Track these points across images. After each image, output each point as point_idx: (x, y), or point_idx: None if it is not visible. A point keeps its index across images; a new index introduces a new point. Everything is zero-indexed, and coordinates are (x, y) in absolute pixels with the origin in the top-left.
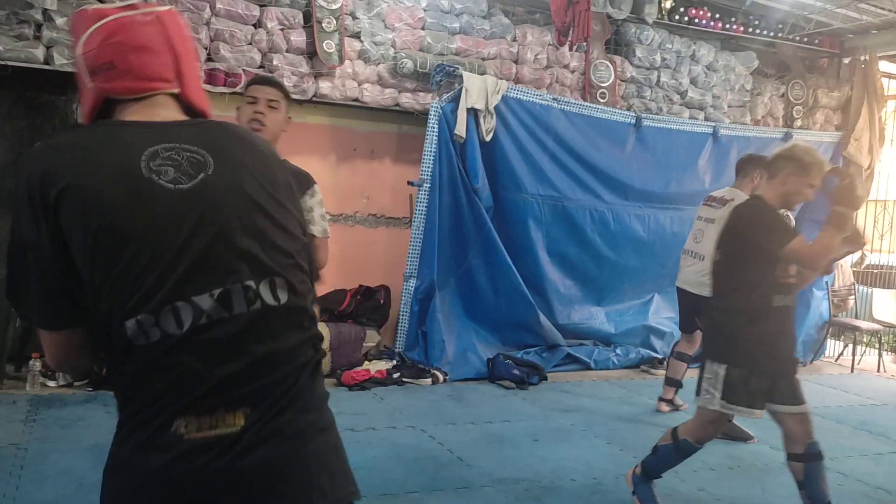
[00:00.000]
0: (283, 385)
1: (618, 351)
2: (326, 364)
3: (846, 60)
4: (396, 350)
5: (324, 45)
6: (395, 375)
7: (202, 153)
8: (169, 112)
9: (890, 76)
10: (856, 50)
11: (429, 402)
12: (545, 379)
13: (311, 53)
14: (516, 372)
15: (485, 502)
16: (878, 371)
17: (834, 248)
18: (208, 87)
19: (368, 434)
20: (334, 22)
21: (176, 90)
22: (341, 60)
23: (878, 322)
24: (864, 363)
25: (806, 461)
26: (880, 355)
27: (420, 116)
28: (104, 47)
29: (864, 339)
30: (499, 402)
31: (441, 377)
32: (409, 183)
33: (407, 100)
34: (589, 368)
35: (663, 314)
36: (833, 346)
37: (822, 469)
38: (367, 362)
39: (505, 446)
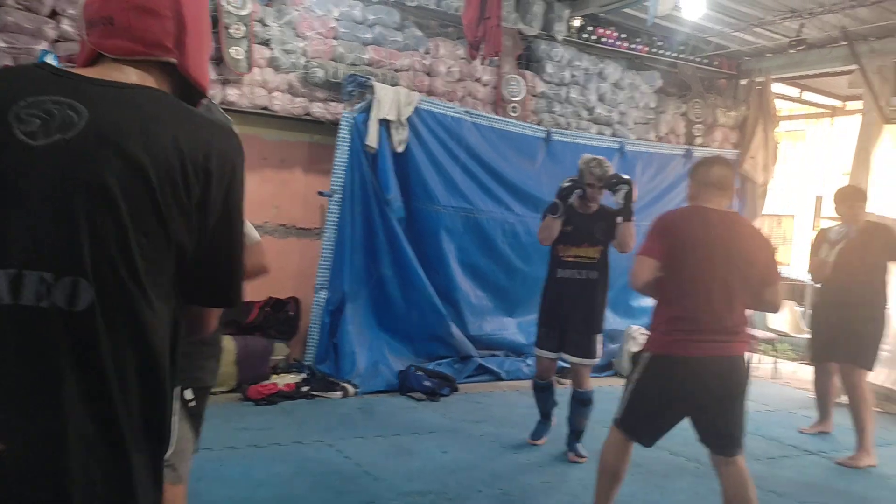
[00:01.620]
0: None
1: (528, 361)
2: (232, 378)
3: (743, 82)
4: (306, 363)
5: (231, 51)
6: (304, 389)
7: (79, 115)
8: (130, 77)
9: (783, 97)
10: (751, 72)
11: (338, 416)
12: (456, 390)
13: (218, 59)
14: (427, 384)
15: None
16: (773, 378)
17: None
18: None
19: (273, 449)
20: (243, 28)
21: (174, 60)
22: (250, 68)
23: (773, 331)
24: (761, 370)
25: (573, 400)
26: (775, 363)
27: (331, 126)
28: (106, 0)
29: (760, 348)
30: (409, 415)
31: (351, 390)
32: (320, 193)
33: (318, 109)
34: (500, 379)
35: None
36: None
37: (583, 410)
38: (274, 376)
39: (413, 459)
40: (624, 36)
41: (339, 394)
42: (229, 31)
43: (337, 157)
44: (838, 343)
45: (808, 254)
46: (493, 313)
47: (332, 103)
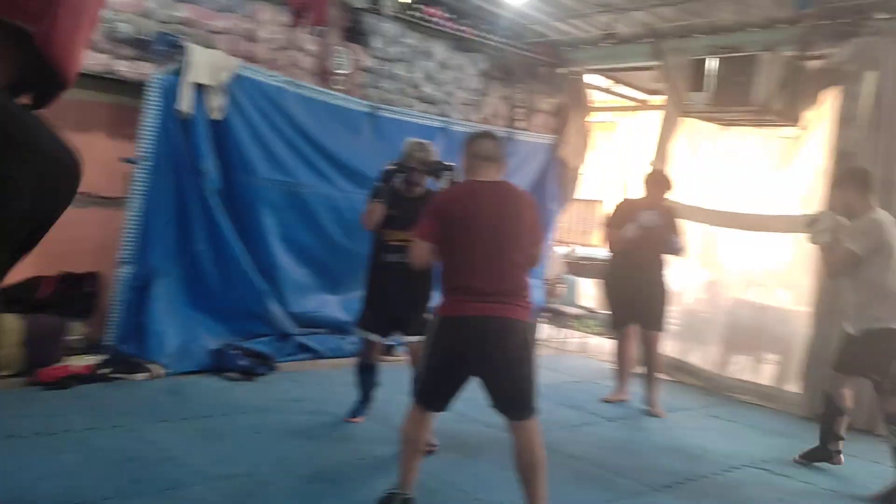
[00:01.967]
0: None
1: (350, 339)
2: (18, 361)
3: (560, 70)
4: (107, 343)
5: None
6: (103, 371)
7: None
8: None
9: (597, 88)
10: (569, 62)
11: (141, 399)
12: (274, 369)
13: None
14: (243, 363)
15: (193, 502)
16: (581, 351)
17: None
18: None
19: (63, 437)
20: None
21: (31, 29)
22: None
23: (582, 308)
24: (569, 345)
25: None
26: (582, 337)
27: (139, 87)
28: None
29: (570, 324)
30: (222, 395)
31: (159, 371)
32: (125, 160)
33: (124, 68)
34: (321, 357)
35: None
36: (545, 330)
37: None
38: (68, 358)
39: (223, 441)
40: (451, 16)
41: (143, 375)
42: None
43: (144, 121)
44: (636, 309)
45: (607, 222)
46: (314, 290)
47: (140, 62)
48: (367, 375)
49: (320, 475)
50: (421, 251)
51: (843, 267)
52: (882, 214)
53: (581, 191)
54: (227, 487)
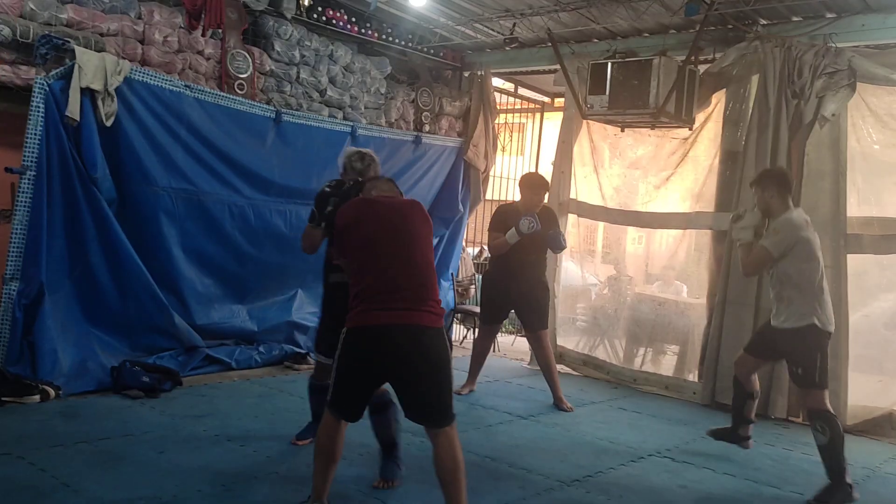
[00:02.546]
0: None
1: (261, 349)
2: None
3: (466, 74)
4: None
5: None
6: None
7: None
8: None
9: (501, 91)
10: (473, 65)
11: (33, 424)
12: (180, 384)
13: None
14: (146, 379)
15: None
16: (494, 351)
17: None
18: None
19: None
20: None
21: None
22: None
23: None
24: None
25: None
26: (495, 338)
27: (22, 93)
28: None
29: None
30: (122, 415)
31: (53, 392)
32: (8, 170)
33: (4, 73)
34: (231, 368)
35: (307, 309)
36: (458, 331)
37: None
38: None
39: (124, 464)
40: (354, 20)
41: (36, 398)
42: None
43: (29, 128)
44: (517, 310)
45: (489, 227)
46: (221, 301)
47: (23, 67)
48: (320, 397)
49: (229, 492)
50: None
51: (757, 265)
52: (796, 214)
53: (490, 192)
54: None
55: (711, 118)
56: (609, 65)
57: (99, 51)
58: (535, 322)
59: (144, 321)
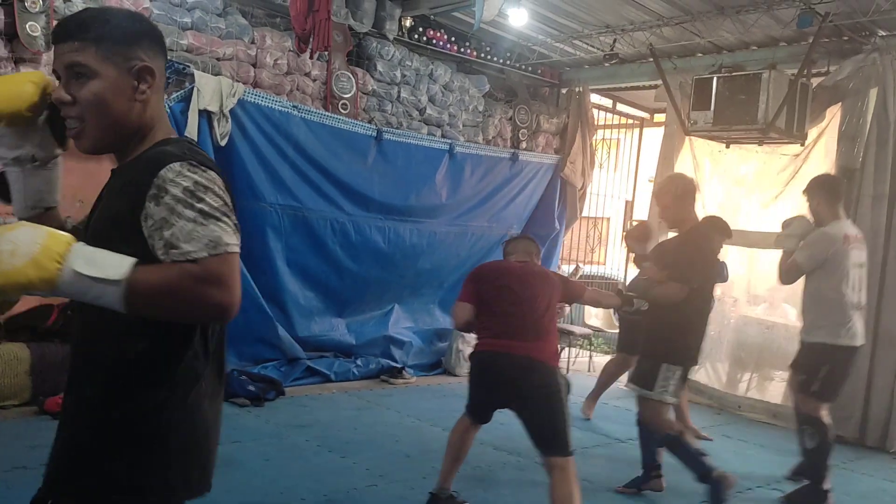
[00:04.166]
0: None
1: (358, 362)
2: (26, 390)
3: (564, 91)
4: None
5: (27, 27)
6: None
7: None
8: None
9: (599, 107)
10: (571, 82)
11: None
12: (283, 394)
13: (12, 36)
14: (252, 388)
15: None
16: (589, 371)
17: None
18: None
19: None
20: (40, 3)
21: None
22: (48, 46)
23: (589, 327)
24: (578, 364)
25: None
26: (590, 357)
27: None
28: None
29: (578, 343)
30: (230, 422)
31: None
32: None
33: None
34: (329, 380)
35: (403, 324)
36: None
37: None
38: None
39: (233, 469)
40: (453, 39)
41: None
42: (25, 4)
43: None
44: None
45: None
46: (322, 314)
47: None
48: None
49: (331, 502)
50: (462, 311)
51: (789, 275)
52: (838, 226)
53: (587, 209)
54: None
55: (825, 133)
56: (714, 79)
57: (216, 74)
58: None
59: (251, 332)
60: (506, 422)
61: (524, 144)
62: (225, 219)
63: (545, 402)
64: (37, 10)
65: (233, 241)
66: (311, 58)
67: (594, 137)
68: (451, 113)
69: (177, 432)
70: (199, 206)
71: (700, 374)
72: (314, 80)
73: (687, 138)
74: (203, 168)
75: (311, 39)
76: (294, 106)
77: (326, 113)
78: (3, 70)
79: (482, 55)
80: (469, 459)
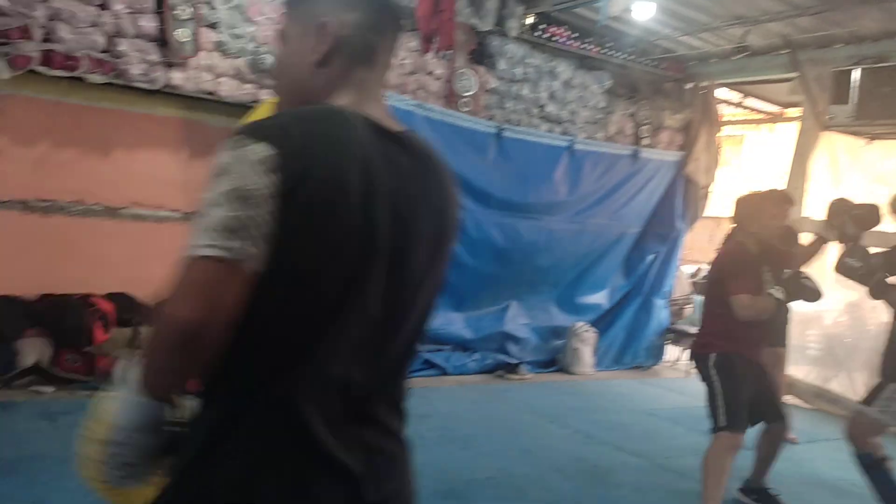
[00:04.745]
0: None
1: (475, 356)
2: None
3: (688, 85)
4: None
5: (176, 33)
6: None
7: None
8: None
9: (726, 103)
10: (697, 76)
11: None
12: None
13: (163, 41)
14: None
15: None
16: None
17: None
18: (43, 69)
19: None
20: (189, 10)
21: None
22: (196, 51)
23: None
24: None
25: None
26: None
27: None
28: None
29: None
30: None
31: None
32: None
33: (268, 96)
34: (446, 374)
35: (520, 320)
36: (671, 352)
37: None
38: None
39: None
40: (575, 35)
41: None
42: (175, 12)
43: None
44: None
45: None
46: (440, 308)
47: None
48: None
49: (452, 492)
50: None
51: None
52: None
53: (711, 208)
54: None
55: None
56: (855, 72)
57: None
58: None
59: None
60: (628, 423)
61: (646, 141)
62: (215, 210)
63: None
64: (186, 17)
65: (205, 241)
66: (434, 57)
67: (719, 134)
68: (572, 110)
69: None
70: (207, 194)
71: (833, 383)
72: (437, 79)
73: (824, 133)
74: (249, 141)
75: (435, 39)
76: (417, 104)
77: (448, 111)
78: (153, 74)
79: (604, 51)
80: (588, 457)
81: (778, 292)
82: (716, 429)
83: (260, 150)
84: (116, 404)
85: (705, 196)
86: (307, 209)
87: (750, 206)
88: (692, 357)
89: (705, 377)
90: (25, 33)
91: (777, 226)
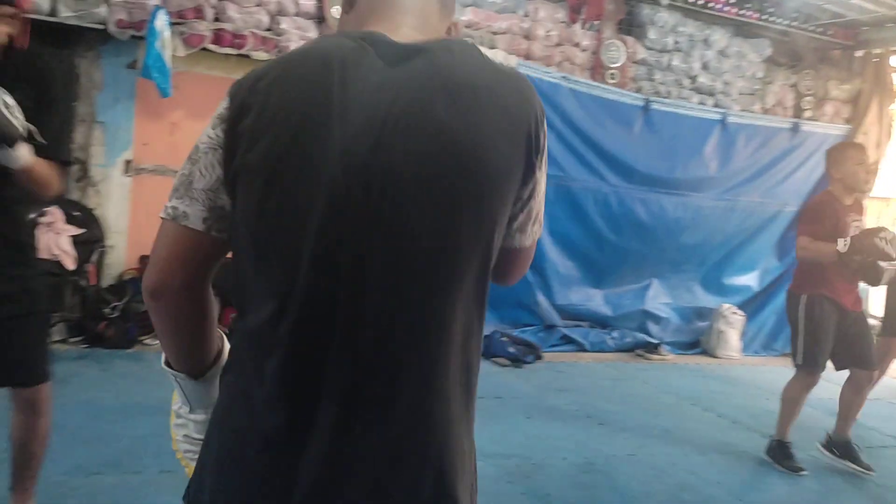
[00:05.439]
0: None
1: (614, 334)
2: None
3: (859, 53)
4: None
5: (332, 10)
6: None
7: None
8: None
9: None
10: (869, 43)
11: None
12: (540, 358)
13: (320, 19)
14: (512, 350)
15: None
16: None
17: None
18: (213, 47)
19: None
20: None
21: None
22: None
23: (872, 316)
24: None
25: None
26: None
27: None
28: None
29: None
30: (493, 379)
31: None
32: None
33: None
34: (584, 350)
35: (661, 300)
36: None
37: None
38: None
39: (498, 422)
40: (733, 1)
41: None
42: None
43: None
44: None
45: None
46: (580, 284)
47: None
48: None
49: (592, 466)
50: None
51: None
52: None
53: (878, 187)
54: (506, 466)
55: None
56: None
57: (491, 48)
58: None
59: (512, 296)
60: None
61: (808, 113)
62: (184, 168)
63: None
64: None
65: (170, 203)
66: (582, 28)
67: (893, 106)
68: (726, 80)
69: None
70: None
71: None
72: (584, 51)
73: None
74: (226, 97)
75: (583, 9)
76: (563, 76)
77: (594, 83)
78: None
79: (764, 17)
80: (733, 442)
81: (842, 244)
82: (795, 365)
83: (221, 105)
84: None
85: (874, 173)
86: (245, 147)
87: (835, 153)
88: (787, 296)
89: (792, 317)
90: (198, 13)
91: (860, 171)
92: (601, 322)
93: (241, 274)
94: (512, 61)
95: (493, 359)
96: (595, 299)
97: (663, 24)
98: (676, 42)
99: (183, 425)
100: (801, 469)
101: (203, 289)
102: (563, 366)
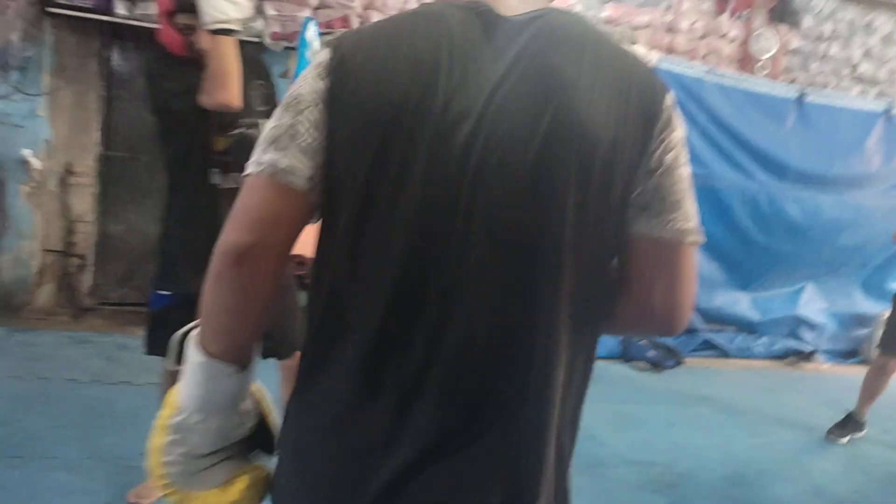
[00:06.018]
0: None
1: (762, 340)
2: None
3: None
4: None
5: None
6: None
7: None
8: None
9: None
10: None
11: None
12: (681, 363)
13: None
14: (651, 354)
15: (617, 483)
16: None
17: None
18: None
19: None
20: None
21: None
22: None
23: None
24: None
25: None
26: None
27: None
28: None
29: None
30: (632, 383)
31: None
32: None
33: None
34: (727, 356)
35: (816, 304)
36: None
37: None
38: None
39: (637, 428)
40: None
41: None
42: None
43: None
44: None
45: None
46: (724, 286)
47: None
48: None
49: (742, 479)
50: None
51: None
52: None
53: None
54: (649, 474)
55: None
56: None
57: (632, 43)
58: None
59: None
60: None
61: None
62: (281, 118)
63: None
64: None
65: (266, 156)
66: (730, 18)
67: None
68: (892, 69)
69: None
70: None
71: None
72: (731, 42)
73: None
74: (322, 49)
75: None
76: (707, 70)
77: (741, 76)
78: None
79: None
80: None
81: None
82: None
83: (321, 56)
84: (181, 380)
85: None
86: (344, 116)
87: None
88: None
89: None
90: (345, 23)
91: None
92: (748, 327)
93: (330, 256)
94: (653, 57)
95: (632, 362)
96: (741, 303)
97: (820, 10)
98: (835, 29)
99: (181, 442)
100: None
101: (288, 260)
102: (706, 372)
